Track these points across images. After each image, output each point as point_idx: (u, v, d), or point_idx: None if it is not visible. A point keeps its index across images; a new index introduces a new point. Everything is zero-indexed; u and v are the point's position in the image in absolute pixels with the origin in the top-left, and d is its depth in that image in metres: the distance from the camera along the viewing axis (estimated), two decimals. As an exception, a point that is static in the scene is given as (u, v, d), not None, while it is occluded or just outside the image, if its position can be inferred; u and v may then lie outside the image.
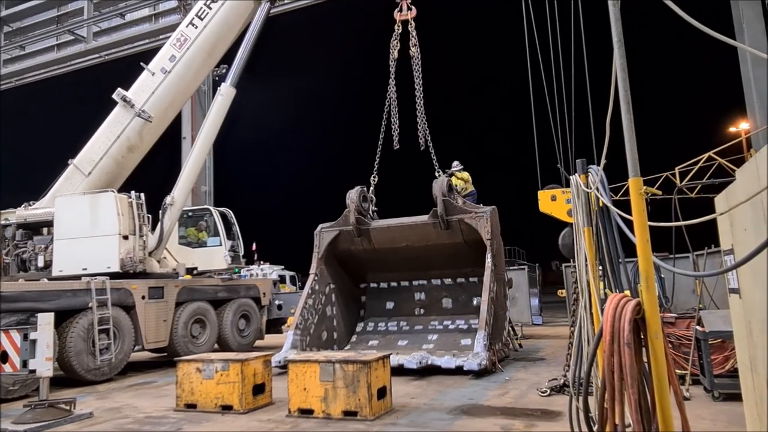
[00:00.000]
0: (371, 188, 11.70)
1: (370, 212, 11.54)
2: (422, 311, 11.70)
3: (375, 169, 11.72)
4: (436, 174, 11.19)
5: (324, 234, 11.28)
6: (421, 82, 11.58)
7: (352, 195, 11.07)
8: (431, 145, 11.43)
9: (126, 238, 10.40)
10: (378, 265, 11.79)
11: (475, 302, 10.91)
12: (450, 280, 11.64)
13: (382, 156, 11.71)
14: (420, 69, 11.62)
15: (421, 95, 11.55)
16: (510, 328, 13.25)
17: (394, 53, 11.70)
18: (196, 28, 11.65)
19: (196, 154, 12.03)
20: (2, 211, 11.58)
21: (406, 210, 11.31)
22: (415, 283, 11.90)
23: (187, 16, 12.16)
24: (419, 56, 11.63)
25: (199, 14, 11.75)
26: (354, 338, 11.72)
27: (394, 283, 12.08)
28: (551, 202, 5.97)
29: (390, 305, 12.02)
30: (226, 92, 12.16)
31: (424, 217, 10.69)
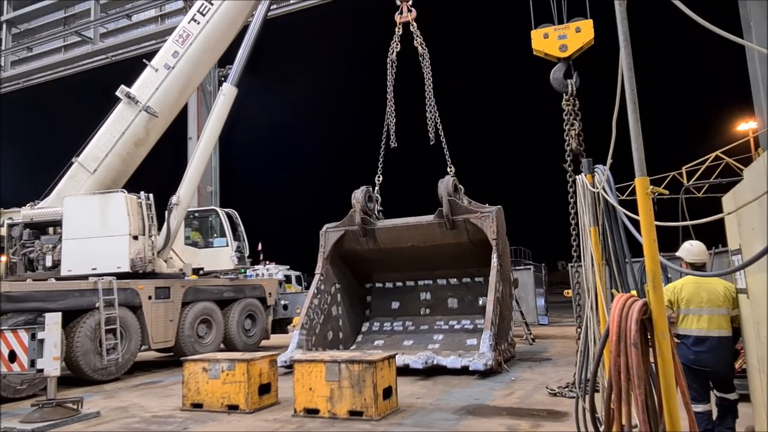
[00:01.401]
0: (376, 188, 11.68)
1: (376, 212, 11.52)
2: (428, 311, 11.68)
3: (379, 169, 11.70)
4: (449, 169, 11.14)
5: (329, 234, 11.27)
6: (430, 79, 11.59)
7: (358, 195, 11.05)
8: (444, 140, 11.37)
9: (136, 238, 10.44)
10: (383, 265, 11.77)
11: (480, 302, 10.89)
12: (455, 279, 11.62)
13: (388, 155, 11.70)
14: (429, 66, 11.64)
15: (431, 92, 11.53)
16: (524, 324, 13.24)
17: (393, 55, 11.73)
18: (198, 24, 11.68)
19: (200, 153, 12.09)
20: (7, 211, 11.63)
21: (412, 209, 11.29)
22: (420, 283, 11.88)
23: (188, 12, 12.18)
24: (427, 54, 11.65)
25: (200, 10, 11.78)
26: (360, 338, 11.72)
27: (399, 283, 12.07)
28: (544, 39, 5.93)
29: (395, 305, 12.02)
30: (228, 91, 12.23)
31: (430, 217, 10.65)
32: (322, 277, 10.96)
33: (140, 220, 10.64)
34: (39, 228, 11.14)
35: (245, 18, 12.35)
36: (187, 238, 13.44)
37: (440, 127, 11.41)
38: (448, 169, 11.16)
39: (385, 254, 11.31)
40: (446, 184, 10.51)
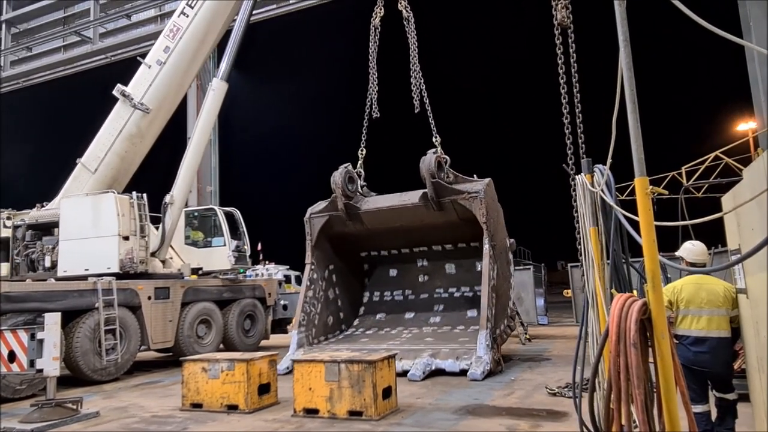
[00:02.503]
0: (359, 162, 11.19)
1: (360, 188, 11.02)
2: (426, 278, 11.44)
3: (363, 142, 11.20)
4: (434, 139, 10.59)
5: (314, 220, 10.86)
6: (416, 44, 11.08)
7: (337, 179, 10.42)
8: (429, 107, 10.88)
9: (126, 238, 10.42)
10: (374, 243, 11.51)
11: (479, 267, 10.50)
12: (451, 246, 11.25)
13: (378, 127, 11.25)
14: (414, 30, 11.13)
15: (416, 57, 11.04)
16: (520, 324, 13.08)
17: (376, 21, 11.33)
18: (187, 17, 11.58)
19: (193, 150, 11.96)
20: (20, 213, 11.83)
21: (401, 180, 10.68)
22: (416, 249, 11.58)
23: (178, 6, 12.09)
24: (412, 18, 11.16)
25: (189, 3, 11.69)
26: (361, 311, 11.55)
27: (395, 251, 11.81)
28: None
29: (393, 272, 11.81)
30: (217, 86, 12.11)
31: (415, 198, 10.10)
32: (312, 266, 10.65)
33: (131, 220, 10.61)
34: (42, 229, 11.28)
35: (232, 9, 12.14)
36: (187, 238, 13.41)
37: (425, 95, 10.91)
38: (434, 139, 10.62)
39: (375, 233, 10.96)
40: (428, 164, 9.77)
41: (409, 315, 10.96)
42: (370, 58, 11.40)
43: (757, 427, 4.08)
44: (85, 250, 10.34)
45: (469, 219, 9.80)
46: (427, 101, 10.98)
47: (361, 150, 11.29)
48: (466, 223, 10.05)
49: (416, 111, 11.01)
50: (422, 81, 11.00)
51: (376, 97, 11.34)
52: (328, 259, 11.14)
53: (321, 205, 10.95)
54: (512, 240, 11.02)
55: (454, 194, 9.77)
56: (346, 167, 10.69)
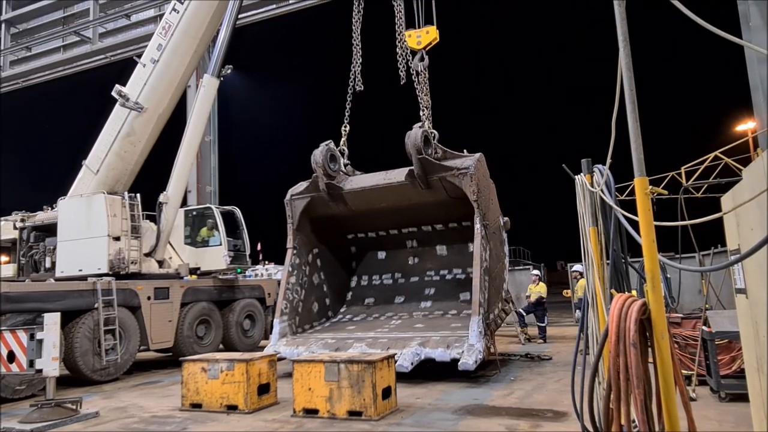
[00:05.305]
0: (343, 139, 10.72)
1: (343, 166, 10.56)
2: (416, 260, 11.01)
3: (346, 118, 10.71)
4: (421, 112, 10.12)
5: (296, 202, 10.33)
6: (402, 11, 10.61)
7: (318, 157, 9.85)
8: (416, 78, 10.38)
9: (117, 239, 10.41)
10: (360, 224, 11.05)
11: (470, 248, 10.01)
12: (441, 225, 10.71)
13: (368, 101, 10.91)
14: None
15: (402, 26, 10.58)
16: (519, 323, 12.96)
17: None
18: (178, 12, 11.45)
19: (186, 147, 11.81)
20: (32, 215, 11.99)
21: (391, 156, 10.28)
22: (405, 230, 11.05)
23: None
24: None
25: None
26: (349, 296, 11.19)
27: (383, 233, 11.30)
28: None
29: (382, 255, 11.38)
30: (208, 83, 11.94)
31: (401, 176, 9.50)
32: (295, 251, 10.18)
33: (123, 220, 10.59)
34: (47, 230, 11.36)
35: (223, 4, 11.87)
36: (187, 237, 13.36)
37: (411, 65, 10.36)
38: (421, 113, 10.15)
39: (360, 214, 10.50)
40: (414, 139, 9.11)
41: (399, 300, 10.61)
42: (353, 27, 10.94)
43: (756, 428, 4.08)
44: (79, 251, 10.40)
45: (460, 197, 9.26)
46: (413, 72, 10.44)
47: (345, 126, 10.77)
48: (456, 202, 9.48)
49: (402, 82, 10.50)
50: (409, 50, 10.49)
51: (359, 69, 10.90)
52: (312, 242, 10.66)
53: (302, 185, 10.43)
54: (506, 218, 10.52)
55: (442, 171, 9.17)
56: (327, 145, 10.13)
